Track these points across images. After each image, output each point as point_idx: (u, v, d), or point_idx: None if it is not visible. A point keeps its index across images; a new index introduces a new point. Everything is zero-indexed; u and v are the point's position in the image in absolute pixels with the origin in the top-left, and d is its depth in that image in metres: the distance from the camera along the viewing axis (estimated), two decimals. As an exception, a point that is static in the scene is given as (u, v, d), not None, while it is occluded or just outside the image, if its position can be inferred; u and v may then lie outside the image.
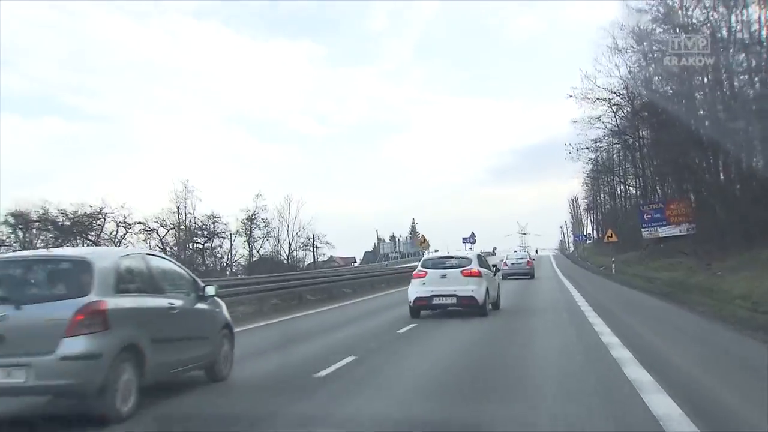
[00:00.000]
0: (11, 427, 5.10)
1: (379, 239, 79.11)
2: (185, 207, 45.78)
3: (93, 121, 61.90)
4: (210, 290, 6.59)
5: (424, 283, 12.97)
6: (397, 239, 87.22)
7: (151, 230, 41.97)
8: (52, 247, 29.76)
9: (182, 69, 69.85)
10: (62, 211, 36.55)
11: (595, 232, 76.01)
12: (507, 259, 33.40)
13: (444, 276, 12.91)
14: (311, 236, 55.76)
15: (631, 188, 52.64)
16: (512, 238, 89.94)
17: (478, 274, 12.98)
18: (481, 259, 14.31)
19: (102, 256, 5.75)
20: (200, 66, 70.95)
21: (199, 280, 6.70)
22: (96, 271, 5.20)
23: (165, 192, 53.55)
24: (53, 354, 4.77)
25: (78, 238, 37.27)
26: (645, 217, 33.33)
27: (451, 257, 14.01)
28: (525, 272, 30.77)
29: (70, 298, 5.00)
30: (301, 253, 55.40)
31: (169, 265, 6.54)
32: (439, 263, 13.64)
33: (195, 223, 45.48)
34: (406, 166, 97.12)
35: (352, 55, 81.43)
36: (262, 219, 52.49)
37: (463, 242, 62.09)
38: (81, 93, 66.39)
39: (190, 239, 45.72)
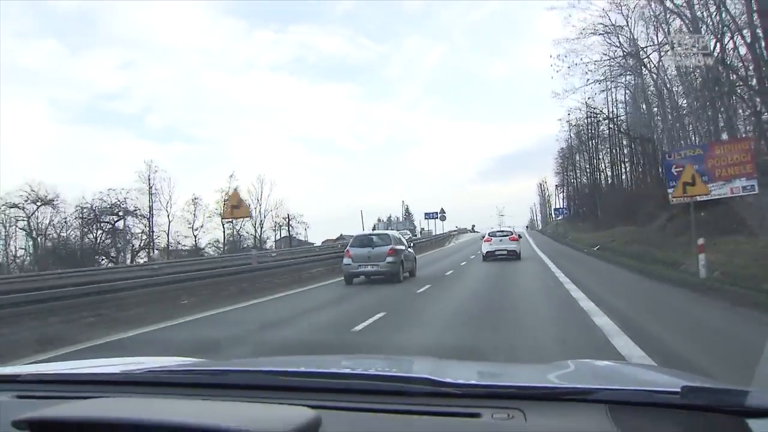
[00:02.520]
0: (376, 281, 16.54)
1: (378, 220, 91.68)
2: (151, 187, 47.06)
3: (203, 144, 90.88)
4: (411, 245, 18.27)
5: (491, 244, 24.33)
6: (390, 219, 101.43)
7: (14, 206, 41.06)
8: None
9: (261, 105, 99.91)
10: None
11: (567, 208, 66.85)
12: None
13: (501, 240, 24.39)
14: (287, 216, 56.89)
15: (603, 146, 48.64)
16: (493, 218, 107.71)
17: (517, 239, 24.86)
18: (514, 232, 25.81)
19: (389, 232, 17.53)
20: (274, 103, 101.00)
21: (406, 241, 18.40)
22: (390, 236, 17.05)
23: (132, 173, 56.92)
24: (384, 261, 16.29)
25: None
26: (674, 170, 20.40)
27: (503, 231, 25.57)
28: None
29: (385, 246, 16.54)
30: (269, 233, 56.10)
31: (399, 235, 18.20)
32: (498, 233, 25.07)
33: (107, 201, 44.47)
34: (418, 172, 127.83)
35: (379, 93, 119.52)
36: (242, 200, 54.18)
37: (426, 217, 65.20)
38: (195, 126, 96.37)
39: (96, 219, 44.75)
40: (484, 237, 25.46)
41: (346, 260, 16.62)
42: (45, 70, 72.92)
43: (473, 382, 1.62)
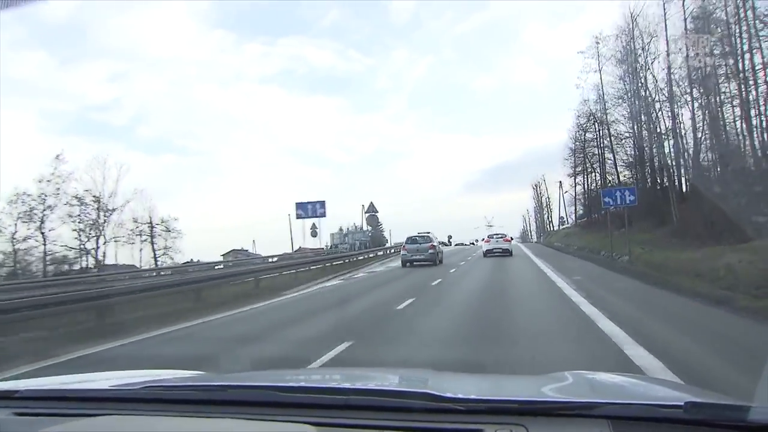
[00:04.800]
0: (421, 265, 25.33)
1: (339, 229, 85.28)
2: None
3: (194, 156, 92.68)
4: (442, 244, 27.73)
5: (489, 244, 32.55)
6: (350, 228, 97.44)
7: None
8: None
9: (252, 118, 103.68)
10: None
11: (631, 191, 23.86)
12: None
13: (497, 241, 32.60)
14: (150, 221, 40.34)
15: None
16: (480, 229, 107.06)
17: (510, 240, 33.61)
18: (507, 235, 34.57)
19: (430, 234, 26.88)
20: (264, 116, 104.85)
21: (438, 241, 27.81)
22: (432, 235, 26.63)
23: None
24: (427, 253, 25.44)
25: None
26: None
27: (499, 234, 33.78)
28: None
29: (429, 242, 25.79)
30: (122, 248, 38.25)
31: (434, 236, 27.61)
32: (494, 236, 33.41)
33: None
34: (406, 184, 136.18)
35: (367, 106, 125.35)
36: (94, 197, 36.95)
37: (299, 215, 30.39)
38: (186, 137, 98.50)
39: None
40: (484, 239, 34.64)
41: (403, 252, 25.77)
42: (34, 80, 72.89)
43: (474, 396, 1.63)
